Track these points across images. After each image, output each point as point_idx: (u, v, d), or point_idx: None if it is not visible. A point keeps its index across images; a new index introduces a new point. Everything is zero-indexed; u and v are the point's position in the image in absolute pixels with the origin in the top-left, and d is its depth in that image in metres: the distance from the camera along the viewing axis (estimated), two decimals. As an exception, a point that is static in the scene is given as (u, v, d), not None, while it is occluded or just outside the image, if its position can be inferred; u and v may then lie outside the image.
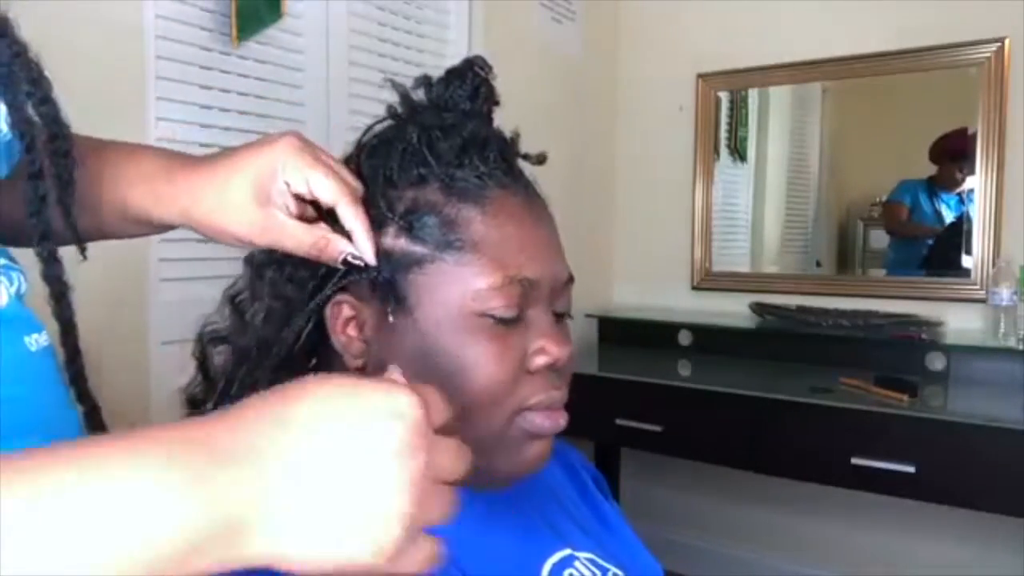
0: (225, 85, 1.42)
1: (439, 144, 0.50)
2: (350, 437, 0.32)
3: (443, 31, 1.93)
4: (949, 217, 2.18)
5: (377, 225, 0.50)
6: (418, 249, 0.49)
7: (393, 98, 0.54)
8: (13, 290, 0.48)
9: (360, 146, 0.54)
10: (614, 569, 0.60)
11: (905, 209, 2.25)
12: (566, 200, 2.34)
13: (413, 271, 0.49)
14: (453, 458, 0.35)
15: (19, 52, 0.46)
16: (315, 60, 1.59)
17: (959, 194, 2.14)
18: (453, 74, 0.53)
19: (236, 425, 0.32)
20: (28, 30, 0.48)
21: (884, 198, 2.28)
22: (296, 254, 0.50)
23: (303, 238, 0.49)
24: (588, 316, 2.40)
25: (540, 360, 0.51)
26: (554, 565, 0.57)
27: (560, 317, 0.55)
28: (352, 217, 0.49)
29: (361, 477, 0.32)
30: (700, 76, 2.45)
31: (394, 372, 0.38)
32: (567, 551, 0.58)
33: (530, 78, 2.13)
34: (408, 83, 0.54)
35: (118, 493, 0.28)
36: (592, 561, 0.59)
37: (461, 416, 0.49)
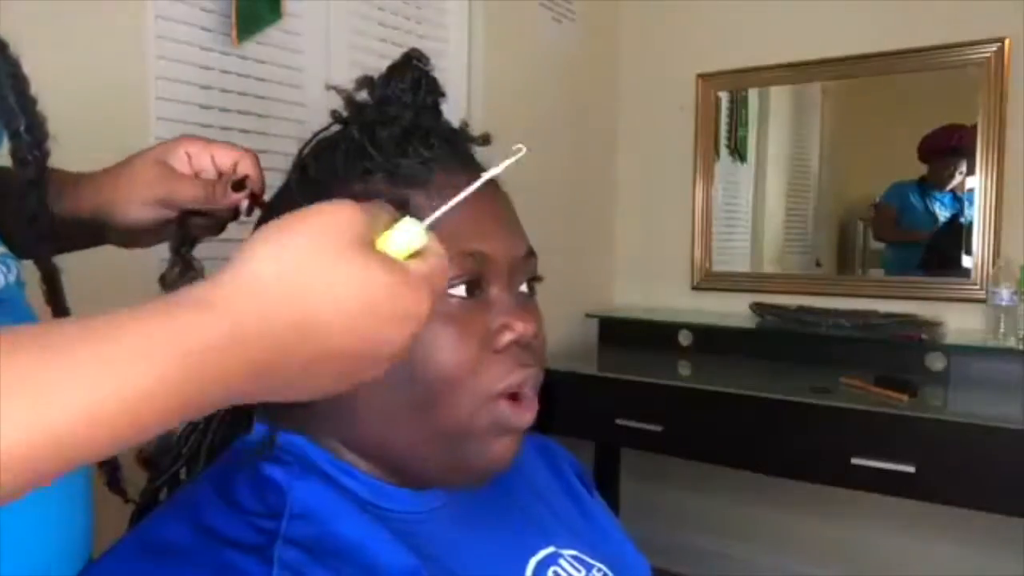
0: (225, 85, 1.42)
1: (380, 136, 0.50)
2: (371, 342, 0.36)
3: (443, 31, 1.92)
4: (943, 216, 2.18)
5: None
6: None
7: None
8: (12, 277, 0.50)
9: (304, 152, 0.54)
10: (599, 565, 0.59)
11: (892, 212, 2.25)
12: (566, 200, 2.34)
13: None
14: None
15: (0, 48, 0.49)
16: (315, 60, 1.59)
17: (952, 191, 2.14)
18: (394, 70, 0.52)
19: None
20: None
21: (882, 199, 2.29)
22: (192, 204, 0.54)
23: (198, 185, 0.54)
24: (588, 316, 2.40)
25: (505, 337, 0.49)
26: (538, 563, 0.56)
27: (529, 291, 0.54)
28: (252, 166, 0.54)
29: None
30: (700, 76, 2.45)
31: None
32: (551, 549, 0.58)
33: (530, 78, 2.13)
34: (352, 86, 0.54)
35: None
36: (577, 558, 0.59)
37: (426, 406, 0.48)
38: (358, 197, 0.48)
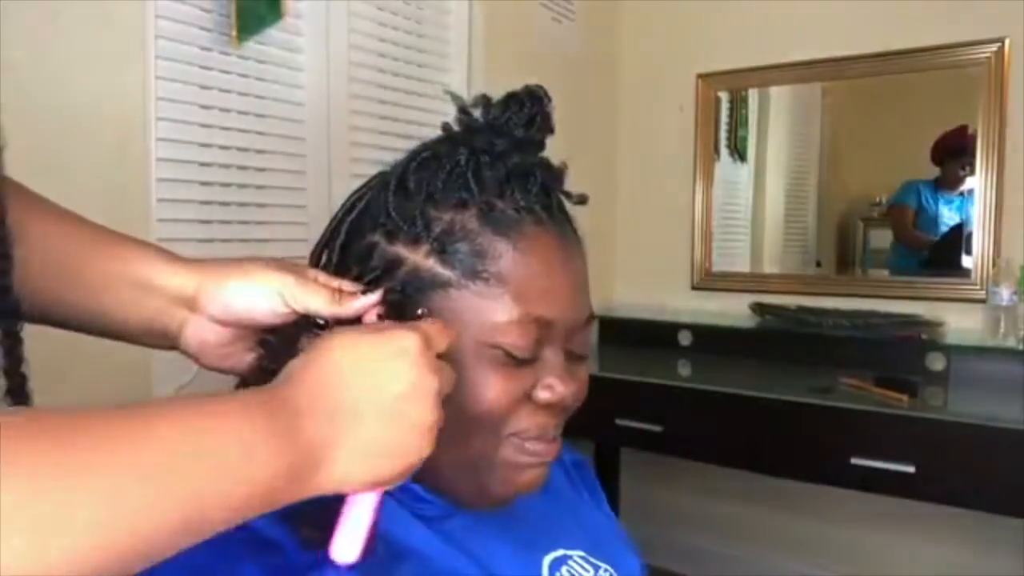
0: (225, 85, 1.42)
1: (484, 170, 0.51)
2: (375, 379, 0.40)
3: (443, 31, 1.93)
4: (951, 218, 2.17)
5: (411, 241, 0.51)
6: (446, 273, 0.50)
7: (437, 106, 0.54)
8: None
9: (411, 157, 0.53)
10: (604, 565, 0.61)
11: (910, 212, 2.24)
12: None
13: (437, 292, 0.50)
14: (449, 374, 0.44)
15: None
16: (315, 60, 1.59)
17: (961, 193, 2.14)
18: (512, 99, 0.53)
19: (299, 387, 0.39)
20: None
21: (884, 198, 2.28)
22: (313, 308, 0.49)
23: (325, 290, 0.49)
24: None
25: (544, 395, 0.52)
26: (551, 564, 0.57)
27: (578, 357, 0.55)
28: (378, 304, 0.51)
29: (392, 409, 0.40)
30: (700, 76, 2.45)
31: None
32: (560, 551, 0.59)
33: (530, 78, 2.12)
34: (450, 98, 0.55)
35: (229, 445, 0.35)
36: (584, 559, 0.60)
37: (459, 438, 0.50)
38: (446, 225, 0.50)
